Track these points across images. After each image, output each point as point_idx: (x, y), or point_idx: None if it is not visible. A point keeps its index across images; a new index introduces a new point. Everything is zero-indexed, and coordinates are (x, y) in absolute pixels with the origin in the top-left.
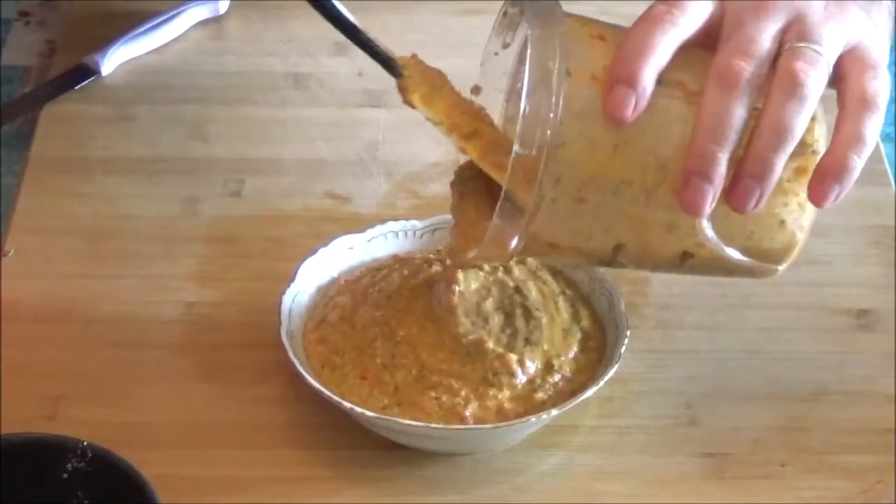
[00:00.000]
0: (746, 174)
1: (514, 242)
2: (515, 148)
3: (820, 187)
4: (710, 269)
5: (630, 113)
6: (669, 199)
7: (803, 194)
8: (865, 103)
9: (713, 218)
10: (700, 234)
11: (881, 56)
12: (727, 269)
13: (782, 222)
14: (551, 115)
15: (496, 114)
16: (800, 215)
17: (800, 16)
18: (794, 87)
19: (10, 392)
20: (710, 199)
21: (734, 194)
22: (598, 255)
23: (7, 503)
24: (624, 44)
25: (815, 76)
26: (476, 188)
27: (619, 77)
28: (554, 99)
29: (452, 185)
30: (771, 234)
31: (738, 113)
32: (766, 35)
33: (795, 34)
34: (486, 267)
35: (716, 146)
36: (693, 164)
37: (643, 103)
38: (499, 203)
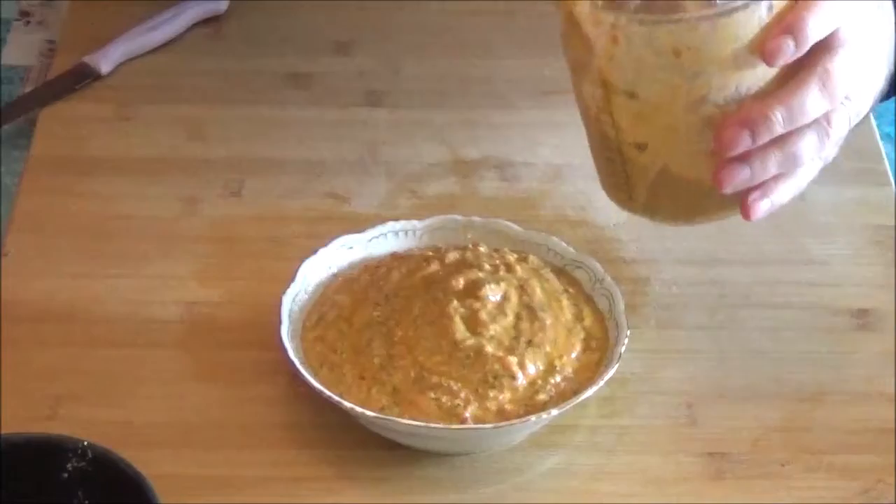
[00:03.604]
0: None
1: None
2: None
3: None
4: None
5: (781, 62)
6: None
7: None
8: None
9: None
10: (681, 152)
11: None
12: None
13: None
14: None
15: None
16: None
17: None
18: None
19: (10, 392)
20: (742, 148)
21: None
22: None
23: (7, 503)
24: (806, 2)
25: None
26: None
27: (791, 30)
28: None
29: None
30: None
31: (815, 110)
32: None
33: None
34: (487, 266)
35: (782, 119)
36: (754, 115)
37: (792, 59)
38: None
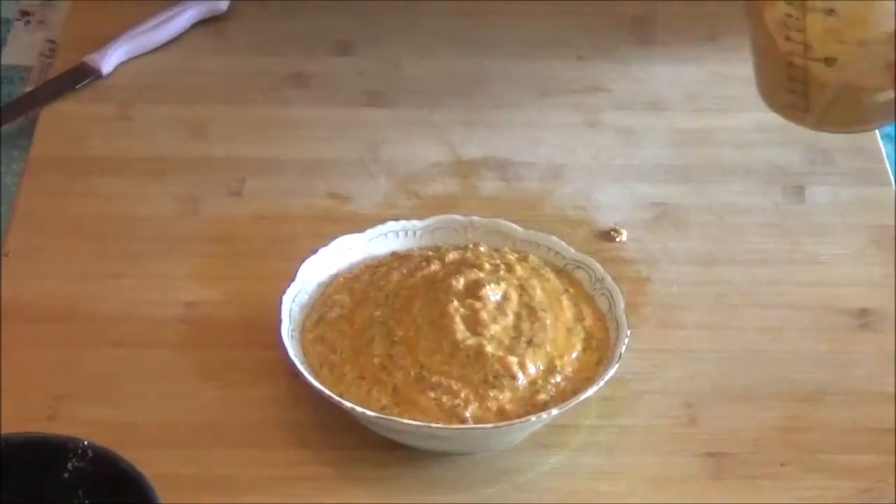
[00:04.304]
0: None
1: None
2: None
3: None
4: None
5: None
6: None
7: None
8: None
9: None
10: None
11: None
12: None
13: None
14: None
15: None
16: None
17: None
18: None
19: (10, 392)
20: None
21: None
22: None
23: (7, 503)
24: None
25: None
26: None
27: None
28: None
29: None
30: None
31: None
32: None
33: None
34: (487, 266)
35: None
36: None
37: None
38: None
